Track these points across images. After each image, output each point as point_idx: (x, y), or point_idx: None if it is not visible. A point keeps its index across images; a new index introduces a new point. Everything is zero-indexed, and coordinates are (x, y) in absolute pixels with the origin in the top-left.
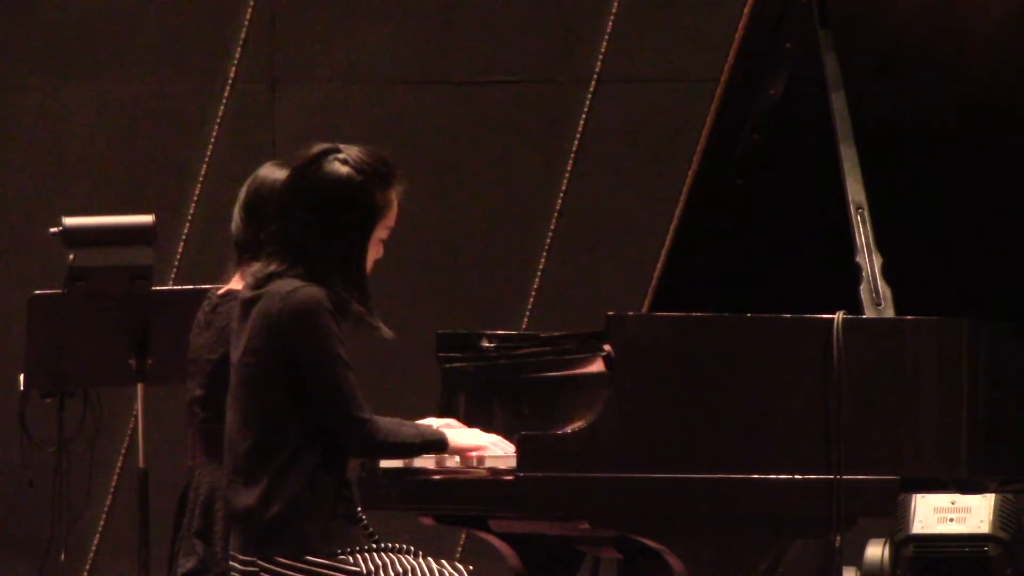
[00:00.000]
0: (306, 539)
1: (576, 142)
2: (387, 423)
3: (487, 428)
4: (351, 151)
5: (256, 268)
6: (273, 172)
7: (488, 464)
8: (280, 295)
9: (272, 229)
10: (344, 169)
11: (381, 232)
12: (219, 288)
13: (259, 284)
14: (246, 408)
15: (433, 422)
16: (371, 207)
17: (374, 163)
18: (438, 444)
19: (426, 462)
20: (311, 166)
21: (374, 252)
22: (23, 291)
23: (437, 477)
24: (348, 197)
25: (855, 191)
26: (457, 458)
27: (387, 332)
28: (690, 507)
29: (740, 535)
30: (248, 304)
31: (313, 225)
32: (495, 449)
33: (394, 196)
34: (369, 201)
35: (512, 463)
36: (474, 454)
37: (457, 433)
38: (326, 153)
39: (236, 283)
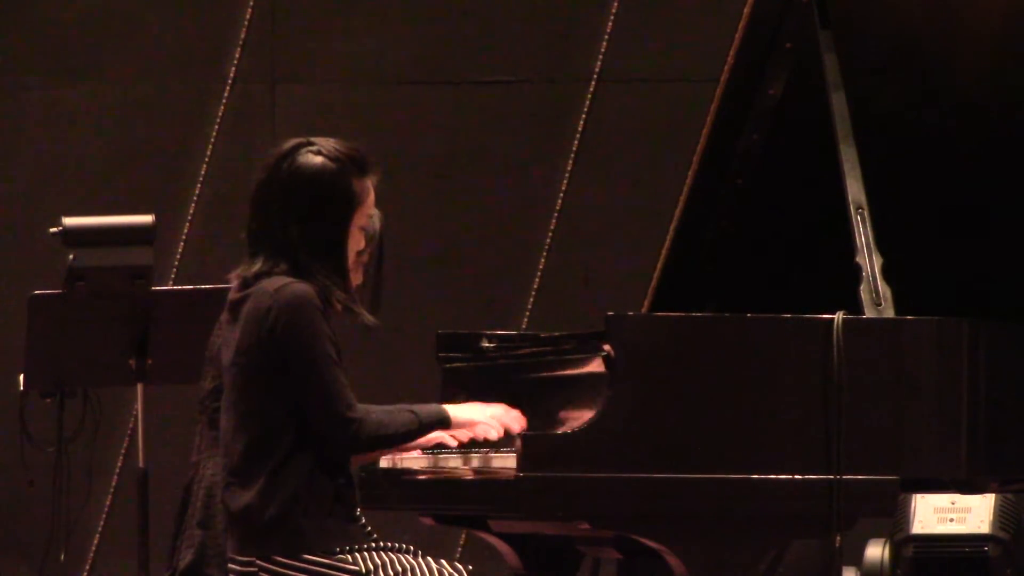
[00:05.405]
0: (304, 538)
1: (576, 142)
2: (378, 416)
3: None
4: (324, 142)
5: (240, 269)
6: None
7: (491, 465)
8: (269, 293)
9: (252, 227)
10: (318, 159)
11: (360, 220)
12: None
13: (246, 284)
14: (240, 409)
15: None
16: (348, 195)
17: (348, 152)
18: (440, 422)
19: (426, 462)
20: (285, 160)
21: (355, 242)
22: (23, 291)
23: (437, 477)
24: (325, 186)
25: (855, 191)
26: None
27: (369, 319)
28: (690, 507)
29: (740, 535)
30: (236, 305)
31: (292, 217)
32: (498, 423)
33: (370, 184)
34: (346, 189)
35: (512, 462)
36: (479, 430)
37: (459, 408)
38: (299, 146)
39: None
